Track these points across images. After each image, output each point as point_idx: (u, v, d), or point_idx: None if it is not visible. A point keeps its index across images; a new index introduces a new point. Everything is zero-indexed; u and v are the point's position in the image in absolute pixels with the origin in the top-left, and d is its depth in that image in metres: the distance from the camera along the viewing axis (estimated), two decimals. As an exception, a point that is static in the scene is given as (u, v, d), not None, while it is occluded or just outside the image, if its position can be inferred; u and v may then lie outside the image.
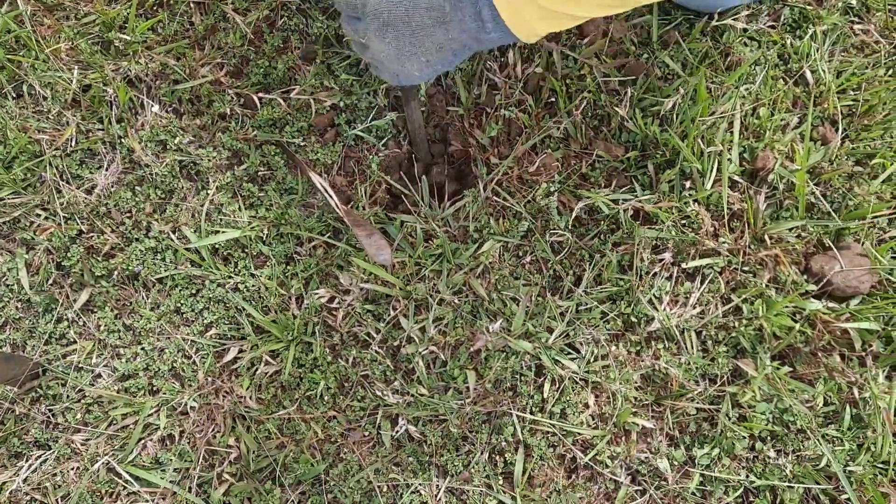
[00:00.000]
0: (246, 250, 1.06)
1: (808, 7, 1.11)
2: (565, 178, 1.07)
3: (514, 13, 0.57)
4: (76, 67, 1.11)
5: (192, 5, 1.14)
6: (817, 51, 1.10)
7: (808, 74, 1.09)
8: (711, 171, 1.04)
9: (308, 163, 1.08)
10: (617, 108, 1.07)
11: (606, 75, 1.09)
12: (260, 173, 1.08)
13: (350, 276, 1.04)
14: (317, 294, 1.04)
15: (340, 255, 1.05)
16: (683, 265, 1.02)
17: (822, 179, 1.05)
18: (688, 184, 1.06)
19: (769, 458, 0.96)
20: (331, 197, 1.03)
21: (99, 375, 1.03)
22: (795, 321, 1.00)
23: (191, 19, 1.14)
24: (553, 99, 1.09)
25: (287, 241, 1.06)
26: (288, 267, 1.05)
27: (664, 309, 1.01)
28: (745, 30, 1.11)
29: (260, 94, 1.10)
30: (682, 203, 1.04)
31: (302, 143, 1.08)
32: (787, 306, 0.99)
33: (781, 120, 1.06)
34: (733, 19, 1.10)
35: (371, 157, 1.09)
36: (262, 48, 1.12)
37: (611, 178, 1.08)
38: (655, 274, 1.03)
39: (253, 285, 1.05)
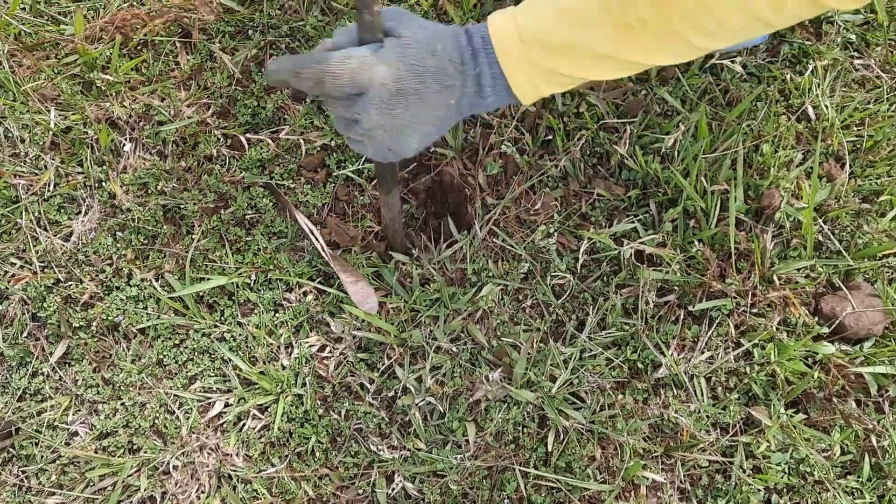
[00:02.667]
0: (232, 298, 1.02)
1: (807, 43, 1.11)
2: (565, 217, 1.04)
3: (523, 79, 0.56)
4: (54, 108, 1.08)
5: (177, 45, 1.12)
6: (818, 86, 1.09)
7: (811, 110, 1.08)
8: (715, 209, 1.02)
9: (297, 205, 1.05)
10: (616, 146, 1.05)
11: (604, 112, 1.08)
12: (247, 217, 1.05)
13: (342, 324, 1.00)
14: (307, 342, 1.00)
15: (332, 302, 1.01)
16: (690, 308, 0.99)
17: (829, 217, 1.03)
18: (691, 223, 1.03)
19: (787, 512, 0.92)
20: (317, 240, 0.99)
21: (75, 434, 0.98)
22: (809, 366, 0.97)
23: (176, 59, 1.12)
24: (550, 137, 1.07)
25: (276, 287, 1.02)
26: (277, 314, 1.01)
27: (672, 354, 0.97)
28: (744, 65, 1.10)
29: (248, 135, 1.08)
30: (686, 243, 1.02)
31: (291, 185, 1.06)
32: (799, 350, 0.96)
33: (785, 157, 1.05)
34: (731, 59, 1.09)
35: (362, 198, 1.06)
36: (249, 88, 1.10)
37: (612, 218, 1.05)
38: (661, 317, 1.00)
39: (240, 334, 1.01)
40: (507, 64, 0.55)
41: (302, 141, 1.07)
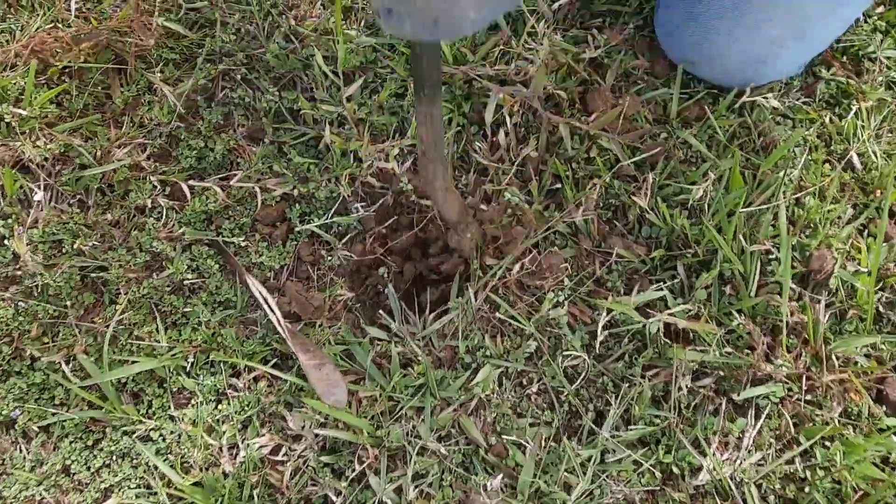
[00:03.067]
0: (164, 385, 0.81)
1: (847, 81, 0.96)
2: (577, 283, 0.86)
3: None
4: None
5: (108, 73, 0.93)
6: (863, 130, 0.94)
7: (856, 158, 0.93)
8: (754, 273, 0.85)
9: (249, 267, 0.86)
10: (635, 198, 0.88)
11: (619, 157, 0.91)
12: (186, 282, 0.85)
13: (302, 418, 0.80)
14: (257, 443, 0.79)
15: (289, 390, 0.81)
16: (733, 395, 0.81)
17: (886, 284, 0.87)
18: (727, 289, 0.86)
19: None
20: (273, 311, 0.80)
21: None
22: (882, 468, 0.78)
23: (107, 90, 0.93)
24: (557, 186, 0.90)
25: (219, 371, 0.81)
26: (219, 406, 0.80)
27: (713, 454, 0.78)
28: (775, 108, 0.95)
29: (191, 182, 0.89)
30: (722, 314, 0.84)
31: (243, 243, 0.86)
32: (870, 450, 0.77)
33: (832, 212, 0.89)
34: (763, 96, 0.94)
35: (330, 259, 0.87)
36: (195, 126, 0.91)
37: (631, 283, 0.87)
38: (698, 407, 0.81)
39: (171, 432, 0.79)
40: None
41: (258, 189, 0.88)
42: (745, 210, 0.88)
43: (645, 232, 0.90)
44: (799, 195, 0.91)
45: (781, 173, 0.90)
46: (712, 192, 0.90)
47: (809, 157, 0.93)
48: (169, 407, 0.81)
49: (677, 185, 0.91)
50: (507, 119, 0.92)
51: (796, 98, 0.98)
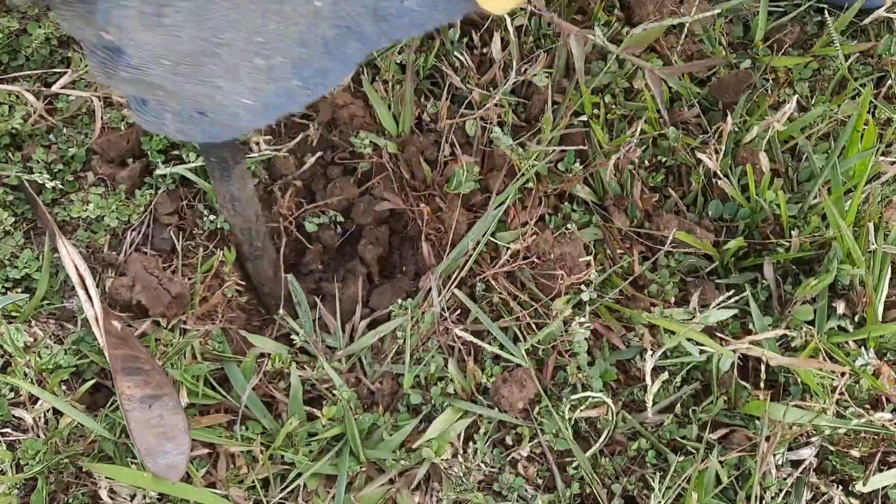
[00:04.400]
0: None
1: None
2: (602, 283, 0.54)
3: None
4: None
5: None
6: None
7: None
8: (882, 283, 0.53)
9: (71, 226, 0.52)
10: (701, 156, 0.56)
11: (675, 95, 0.59)
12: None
13: (126, 486, 0.47)
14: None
15: (111, 441, 0.47)
16: (852, 484, 0.49)
17: None
18: (839, 307, 0.54)
19: None
20: (88, 298, 0.47)
21: None
22: None
23: None
24: (575, 129, 0.58)
25: (-8, 399, 0.48)
26: (-14, 458, 0.47)
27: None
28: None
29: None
30: (832, 345, 0.53)
31: (64, 187, 0.53)
32: None
33: None
34: (887, 10, 0.62)
35: (210, 222, 0.54)
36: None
37: (690, 289, 0.55)
38: (790, 494, 0.50)
39: None
40: None
41: (97, 103, 0.55)
42: (871, 186, 0.56)
43: (713, 209, 0.58)
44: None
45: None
46: (820, 155, 0.58)
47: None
48: None
49: (763, 139, 0.59)
50: (507, 21, 0.59)
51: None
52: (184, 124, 0.36)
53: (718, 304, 0.52)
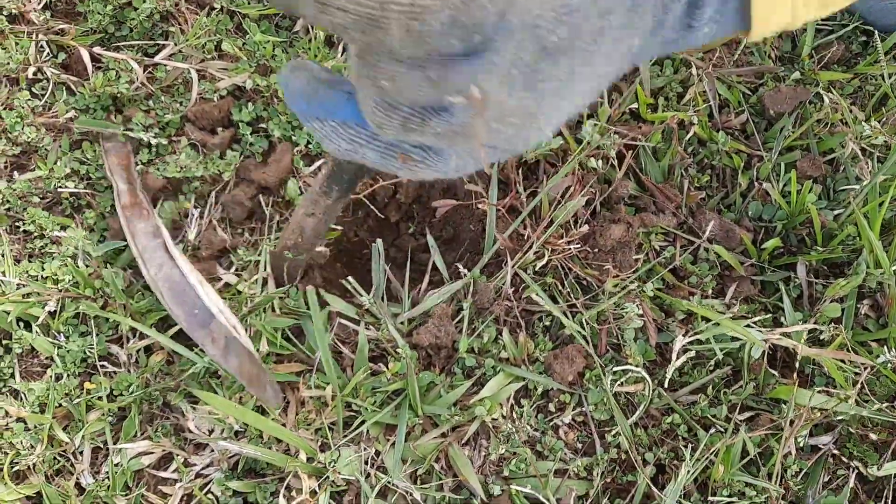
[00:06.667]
0: (7, 342, 0.55)
1: None
2: (646, 272, 0.59)
3: None
4: None
5: None
6: None
7: None
8: (908, 290, 0.59)
9: (161, 185, 0.59)
10: (749, 163, 0.62)
11: (724, 103, 0.64)
12: (65, 193, 0.58)
13: (208, 421, 0.53)
14: (135, 447, 0.53)
15: (197, 374, 0.54)
16: (866, 468, 0.55)
17: None
18: (863, 306, 0.60)
19: None
20: (166, 241, 0.53)
21: None
22: None
23: None
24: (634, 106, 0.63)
25: (92, 331, 0.54)
26: (86, 385, 0.53)
27: (831, 557, 0.52)
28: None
29: (98, 50, 0.61)
30: (857, 343, 0.58)
31: (160, 148, 0.59)
32: None
33: None
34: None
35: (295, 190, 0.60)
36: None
37: (727, 282, 0.61)
38: (811, 477, 0.55)
39: (7, 415, 0.53)
40: None
41: (195, 74, 0.61)
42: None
43: (753, 210, 0.63)
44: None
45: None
46: (859, 167, 0.63)
47: None
48: (10, 375, 0.55)
49: (806, 150, 0.64)
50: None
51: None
52: (463, 160, 0.33)
53: (750, 298, 0.57)
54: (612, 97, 0.65)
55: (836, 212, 0.62)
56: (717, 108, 0.64)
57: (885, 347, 0.59)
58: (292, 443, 0.53)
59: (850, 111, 0.66)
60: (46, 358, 0.56)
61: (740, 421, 0.57)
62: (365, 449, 0.55)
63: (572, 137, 0.62)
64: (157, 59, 0.62)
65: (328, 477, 0.53)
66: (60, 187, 0.58)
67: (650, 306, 0.59)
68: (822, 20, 0.69)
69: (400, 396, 0.56)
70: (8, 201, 0.58)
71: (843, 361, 0.56)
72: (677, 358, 0.56)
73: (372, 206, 0.65)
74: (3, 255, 0.55)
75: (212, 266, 0.59)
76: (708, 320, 0.57)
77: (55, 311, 0.55)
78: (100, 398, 0.54)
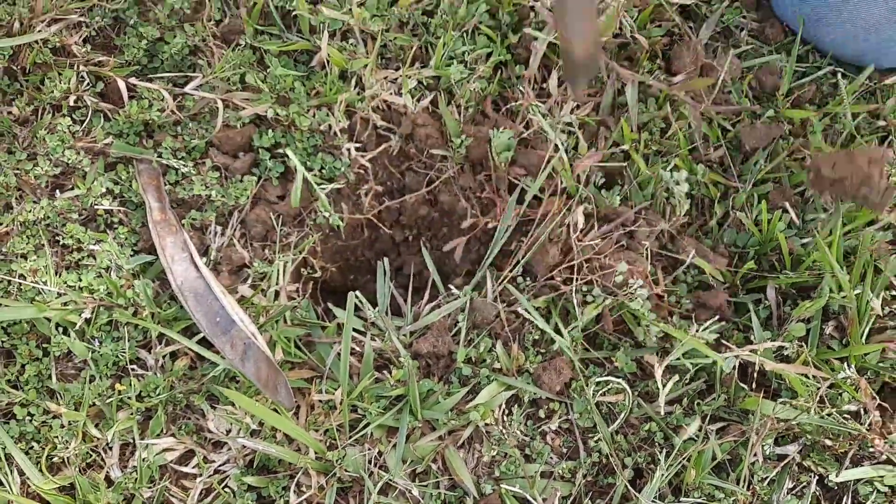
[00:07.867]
0: (46, 346, 0.61)
1: None
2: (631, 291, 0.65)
3: None
4: None
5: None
6: None
7: None
8: (867, 312, 0.64)
9: (189, 203, 0.65)
10: (725, 195, 0.68)
11: (703, 138, 0.71)
12: (101, 210, 0.64)
13: (227, 420, 0.59)
14: (160, 444, 0.59)
15: (217, 378, 0.60)
16: (826, 474, 0.60)
17: None
18: (828, 327, 0.66)
19: None
20: (196, 264, 0.59)
21: None
22: None
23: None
24: (611, 162, 0.70)
25: (124, 337, 0.60)
26: (116, 386, 0.59)
27: (792, 556, 0.57)
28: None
29: (133, 81, 0.68)
30: (821, 361, 0.64)
31: (185, 170, 0.65)
32: None
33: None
34: (901, 81, 0.74)
35: (311, 217, 0.67)
36: (153, 10, 0.71)
37: (701, 302, 0.67)
38: (775, 483, 0.61)
39: (45, 412, 0.59)
40: None
41: (221, 103, 0.68)
42: (870, 230, 0.67)
43: (729, 237, 0.69)
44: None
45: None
46: (825, 198, 0.69)
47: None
48: (48, 376, 0.61)
49: (777, 182, 0.71)
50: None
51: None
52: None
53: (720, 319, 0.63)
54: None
55: (804, 240, 0.68)
56: (699, 134, 0.70)
57: (846, 364, 0.64)
58: (303, 441, 0.59)
59: (820, 148, 0.72)
60: (81, 361, 0.62)
61: (713, 431, 0.63)
62: (369, 449, 0.60)
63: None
64: (186, 89, 0.69)
65: (335, 474, 0.58)
66: (96, 205, 0.65)
67: (631, 323, 0.65)
68: (798, 61, 0.76)
69: (401, 402, 0.62)
70: (48, 217, 0.64)
71: (805, 376, 0.62)
72: (664, 384, 0.61)
73: (380, 225, 0.71)
74: (45, 267, 0.61)
75: (231, 280, 0.65)
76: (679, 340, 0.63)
77: (90, 318, 0.61)
78: (129, 398, 0.60)
